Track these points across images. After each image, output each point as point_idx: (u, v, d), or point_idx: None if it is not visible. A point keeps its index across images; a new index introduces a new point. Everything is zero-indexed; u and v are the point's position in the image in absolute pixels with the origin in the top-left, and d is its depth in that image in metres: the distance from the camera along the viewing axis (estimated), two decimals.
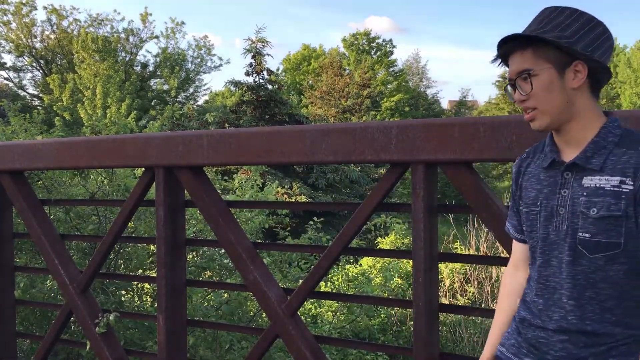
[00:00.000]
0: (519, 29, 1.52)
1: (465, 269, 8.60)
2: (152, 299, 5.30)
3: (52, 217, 4.81)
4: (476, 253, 8.94)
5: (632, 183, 1.37)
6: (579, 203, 1.42)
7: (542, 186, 1.52)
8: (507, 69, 1.53)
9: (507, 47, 1.49)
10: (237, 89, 17.69)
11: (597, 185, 1.41)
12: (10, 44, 31.51)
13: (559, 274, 1.47)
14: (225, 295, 5.18)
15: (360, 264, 8.94)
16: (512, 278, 1.71)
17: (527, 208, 1.56)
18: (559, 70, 1.42)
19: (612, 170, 1.40)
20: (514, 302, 1.68)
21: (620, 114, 1.75)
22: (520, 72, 1.45)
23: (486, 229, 8.16)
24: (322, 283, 6.52)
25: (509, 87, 1.51)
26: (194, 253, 5.53)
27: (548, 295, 1.50)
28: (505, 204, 2.21)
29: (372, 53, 41.32)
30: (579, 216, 1.42)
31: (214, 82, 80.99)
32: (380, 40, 41.68)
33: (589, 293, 1.43)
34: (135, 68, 32.04)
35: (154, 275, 3.77)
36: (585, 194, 1.42)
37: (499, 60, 1.54)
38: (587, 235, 1.41)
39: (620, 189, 1.38)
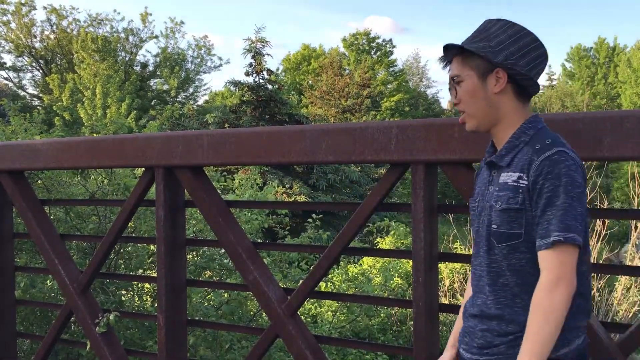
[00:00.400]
0: None
1: (465, 269, 8.60)
2: (152, 299, 5.30)
3: (52, 217, 4.81)
4: None
5: (526, 179, 1.51)
6: (493, 198, 1.58)
7: (482, 183, 1.68)
8: None
9: (447, 55, 1.64)
10: (237, 89, 17.69)
11: (504, 181, 1.55)
12: (10, 44, 31.52)
13: (482, 264, 1.61)
14: (225, 295, 5.19)
15: (361, 264, 8.94)
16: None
17: (472, 204, 1.70)
18: (481, 77, 1.57)
19: (515, 167, 1.54)
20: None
21: (546, 116, 1.85)
22: (452, 77, 1.61)
23: None
24: (322, 283, 6.52)
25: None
26: (194, 253, 5.53)
27: (476, 283, 1.65)
28: None
29: (372, 53, 41.31)
30: (491, 209, 1.57)
31: (214, 82, 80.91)
32: (380, 40, 41.68)
33: (501, 280, 1.56)
34: (135, 68, 32.03)
35: (154, 275, 3.77)
36: (497, 189, 1.57)
37: (447, 65, 1.67)
38: (494, 226, 1.56)
39: (519, 184, 1.52)
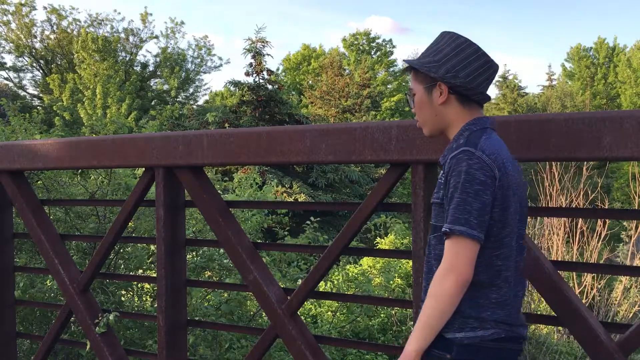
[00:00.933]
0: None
1: None
2: (152, 299, 5.30)
3: (51, 217, 4.81)
4: None
5: (444, 174, 1.69)
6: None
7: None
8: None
9: (406, 68, 1.81)
10: (237, 89, 17.67)
11: (438, 178, 1.74)
12: (10, 44, 31.50)
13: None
14: (225, 295, 5.18)
15: (360, 264, 8.93)
16: None
17: None
18: (427, 91, 1.74)
19: (444, 166, 1.69)
20: None
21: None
22: (408, 91, 1.81)
23: None
24: (322, 283, 6.51)
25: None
26: (193, 253, 5.53)
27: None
28: None
29: (372, 53, 41.31)
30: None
31: (214, 82, 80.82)
32: (380, 40, 41.67)
33: (434, 269, 1.69)
34: (135, 68, 32.02)
35: (154, 275, 3.77)
36: (435, 188, 1.74)
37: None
38: (432, 220, 1.74)
39: (442, 181, 1.69)
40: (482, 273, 1.63)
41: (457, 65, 1.68)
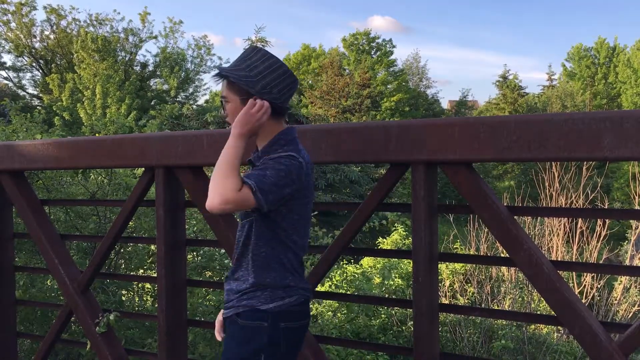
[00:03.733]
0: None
1: (466, 269, 8.61)
2: (152, 299, 5.30)
3: (52, 217, 4.81)
4: (476, 253, 8.94)
5: None
6: None
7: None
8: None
9: (218, 75, 1.98)
10: None
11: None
12: (10, 43, 31.50)
13: (239, 235, 2.01)
14: None
15: (361, 264, 8.94)
16: None
17: None
18: (241, 101, 1.92)
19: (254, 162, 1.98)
20: None
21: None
22: (221, 97, 1.99)
23: (486, 229, 8.16)
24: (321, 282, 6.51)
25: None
26: (194, 253, 5.53)
27: (235, 251, 2.04)
28: (504, 204, 2.21)
29: (372, 53, 41.30)
30: None
31: (214, 82, 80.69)
32: (380, 40, 41.66)
33: (243, 249, 1.98)
34: (134, 68, 32.02)
35: (154, 275, 3.77)
36: None
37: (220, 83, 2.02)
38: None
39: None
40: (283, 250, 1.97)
41: (271, 83, 1.92)
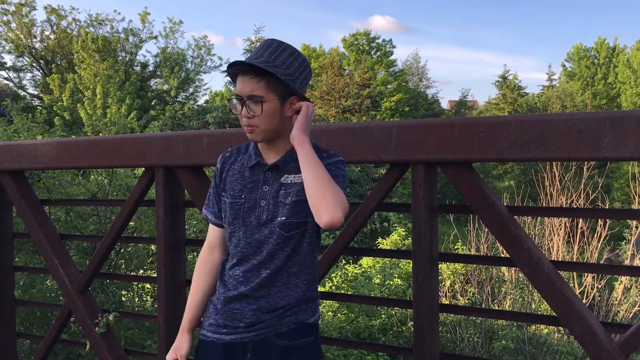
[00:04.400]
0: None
1: (466, 269, 8.60)
2: (152, 299, 5.30)
3: (52, 217, 4.81)
4: (476, 253, 8.94)
5: None
6: (278, 195, 1.79)
7: (246, 182, 1.85)
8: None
9: (242, 69, 1.76)
10: None
11: (292, 181, 1.79)
12: (10, 44, 31.51)
13: (258, 252, 1.80)
14: None
15: (360, 264, 8.94)
16: (208, 259, 1.98)
17: (232, 199, 1.85)
18: (281, 102, 1.76)
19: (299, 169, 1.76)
20: (211, 282, 1.96)
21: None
22: (253, 96, 1.74)
23: (486, 229, 8.16)
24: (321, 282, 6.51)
25: (235, 101, 1.79)
26: (194, 253, 5.52)
27: (249, 269, 1.81)
28: (504, 204, 2.21)
29: (372, 53, 41.30)
30: (279, 205, 1.78)
31: (214, 82, 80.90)
32: (380, 40, 41.65)
33: (280, 263, 1.79)
34: (135, 68, 32.04)
35: (154, 275, 3.77)
36: (283, 188, 1.79)
37: (227, 74, 1.82)
38: (283, 218, 1.77)
39: (299, 180, 1.75)
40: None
41: (304, 81, 1.80)
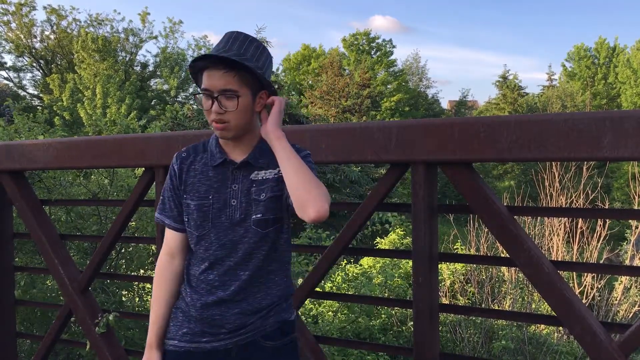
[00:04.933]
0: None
1: (466, 269, 8.60)
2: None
3: (52, 217, 4.81)
4: (476, 253, 8.94)
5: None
6: (250, 192, 1.74)
7: (212, 182, 1.77)
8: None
9: (211, 62, 1.66)
10: None
11: (264, 177, 1.75)
12: (10, 44, 31.52)
13: (233, 253, 1.74)
14: None
15: (361, 264, 8.94)
16: (169, 267, 1.87)
17: (199, 201, 1.77)
18: (253, 96, 1.71)
19: (273, 165, 1.74)
20: (174, 290, 1.87)
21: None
22: (227, 90, 1.66)
23: (486, 229, 8.16)
24: (322, 283, 6.50)
25: (202, 97, 1.70)
26: None
27: (224, 272, 1.74)
28: (504, 204, 2.21)
29: (372, 53, 41.31)
30: (252, 203, 1.73)
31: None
32: (380, 40, 41.67)
33: (259, 264, 1.74)
34: (135, 68, 32.05)
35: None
36: (254, 185, 1.74)
37: (194, 69, 1.73)
38: (259, 215, 1.73)
39: (279, 176, 1.73)
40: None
41: (270, 75, 1.76)
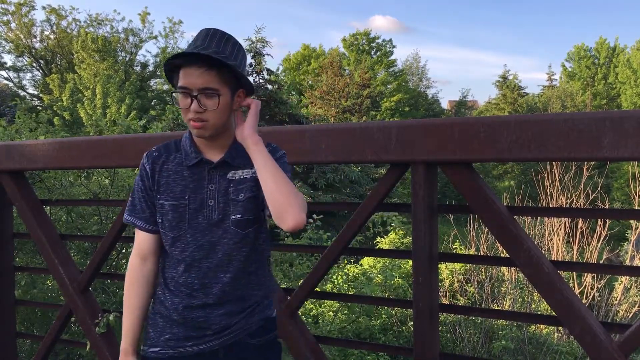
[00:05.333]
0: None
1: (466, 269, 8.60)
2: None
3: (53, 217, 4.81)
4: (476, 253, 8.94)
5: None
6: (228, 192, 1.71)
7: (187, 182, 1.73)
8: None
9: (191, 60, 1.61)
10: None
11: (241, 177, 1.73)
12: (10, 44, 31.52)
13: (212, 255, 1.71)
14: None
15: (361, 264, 8.94)
16: (142, 270, 1.82)
17: (174, 202, 1.73)
18: (232, 94, 1.67)
19: (250, 164, 1.70)
20: (148, 295, 1.84)
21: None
22: (208, 89, 1.62)
23: (486, 229, 8.16)
24: (323, 283, 6.50)
25: (179, 95, 1.65)
26: None
27: (204, 274, 1.71)
28: (504, 204, 2.21)
29: (372, 53, 41.31)
30: (230, 203, 1.71)
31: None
32: (380, 40, 41.67)
33: (239, 265, 1.73)
34: (135, 68, 32.05)
35: None
36: (232, 185, 1.72)
37: (171, 65, 1.68)
38: (238, 216, 1.70)
39: (256, 176, 1.69)
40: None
41: (246, 73, 1.72)
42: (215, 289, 1.71)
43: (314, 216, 6.71)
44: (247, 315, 1.76)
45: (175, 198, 1.72)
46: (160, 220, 1.75)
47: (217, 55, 1.60)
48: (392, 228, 9.45)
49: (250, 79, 17.17)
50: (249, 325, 1.76)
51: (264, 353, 1.79)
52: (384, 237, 9.92)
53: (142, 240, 1.81)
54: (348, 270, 8.03)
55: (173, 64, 1.66)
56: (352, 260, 9.56)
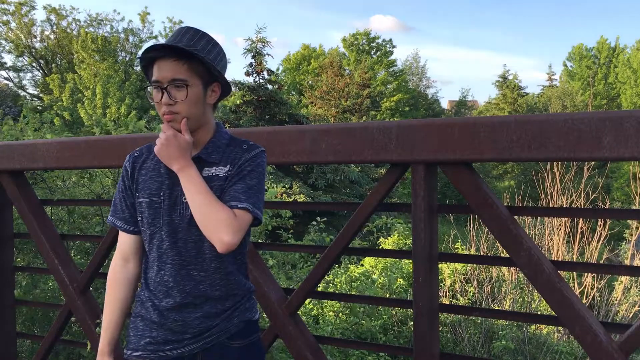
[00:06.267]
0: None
1: (466, 269, 8.60)
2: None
3: (54, 217, 4.80)
4: (477, 253, 8.94)
5: (232, 168, 1.69)
6: None
7: (163, 179, 1.73)
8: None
9: (162, 53, 1.64)
10: (238, 89, 17.68)
11: (214, 174, 1.69)
12: (10, 44, 31.52)
13: (185, 252, 1.70)
14: None
15: (362, 265, 8.93)
16: (123, 271, 1.84)
17: (150, 198, 1.73)
18: (204, 87, 1.68)
19: (225, 162, 1.71)
20: (128, 296, 1.85)
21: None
22: (175, 80, 1.63)
23: (486, 229, 8.16)
24: (324, 284, 6.50)
25: (150, 88, 1.69)
26: None
27: (179, 273, 1.70)
28: (504, 204, 2.21)
29: (372, 53, 41.31)
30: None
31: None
32: (380, 40, 41.67)
33: (214, 264, 1.71)
34: (135, 68, 32.03)
35: None
36: (206, 182, 1.66)
37: (145, 60, 1.70)
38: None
39: (228, 174, 1.68)
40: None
41: (223, 69, 1.73)
42: (188, 287, 1.70)
43: (317, 219, 6.69)
44: (227, 318, 1.74)
45: (151, 195, 1.73)
46: (140, 219, 1.76)
47: (188, 47, 1.62)
48: (395, 229, 9.46)
49: (251, 79, 17.17)
50: (228, 328, 1.74)
51: (244, 356, 1.77)
52: (386, 238, 9.92)
53: (123, 240, 1.82)
54: (351, 272, 8.02)
55: (146, 58, 1.68)
56: (353, 260, 9.55)
